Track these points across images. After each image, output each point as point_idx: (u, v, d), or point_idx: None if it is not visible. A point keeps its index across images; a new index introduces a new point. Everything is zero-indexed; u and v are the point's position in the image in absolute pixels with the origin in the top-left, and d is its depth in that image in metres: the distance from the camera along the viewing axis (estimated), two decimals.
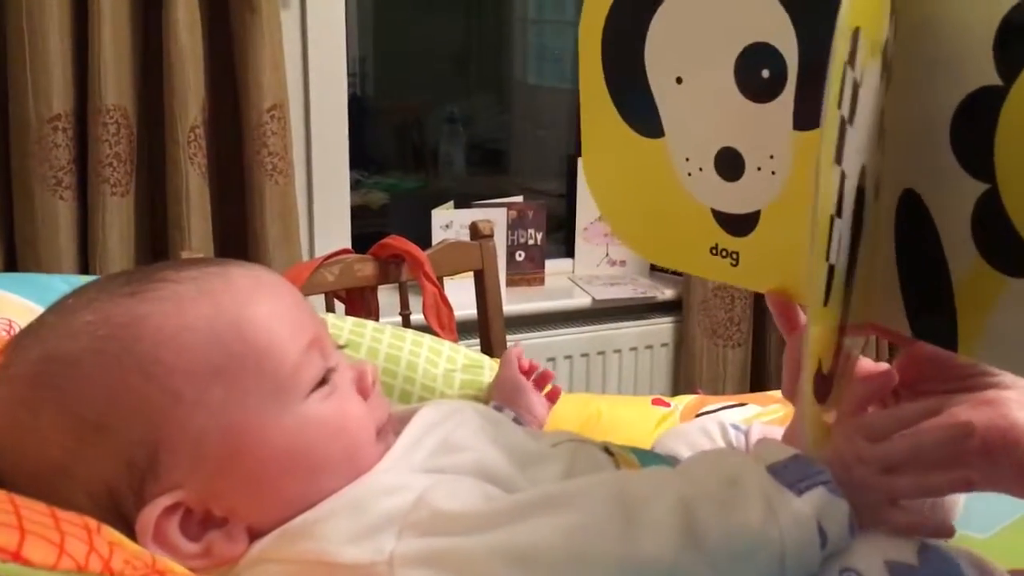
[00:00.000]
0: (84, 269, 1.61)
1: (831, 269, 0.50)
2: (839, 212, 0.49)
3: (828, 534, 0.50)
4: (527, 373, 0.88)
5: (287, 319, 0.57)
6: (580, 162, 2.22)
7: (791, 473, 0.51)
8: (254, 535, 0.54)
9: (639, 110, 0.62)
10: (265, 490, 0.54)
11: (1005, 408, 0.56)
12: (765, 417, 1.01)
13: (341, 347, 0.62)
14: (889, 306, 0.57)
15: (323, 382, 0.57)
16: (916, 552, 0.53)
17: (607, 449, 0.66)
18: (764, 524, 0.49)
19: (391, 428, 0.60)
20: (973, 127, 0.49)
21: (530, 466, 0.60)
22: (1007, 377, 0.57)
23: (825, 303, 0.51)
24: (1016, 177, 0.48)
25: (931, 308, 0.54)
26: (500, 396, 0.87)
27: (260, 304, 0.56)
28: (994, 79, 0.48)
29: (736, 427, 0.79)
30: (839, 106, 0.46)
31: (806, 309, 0.61)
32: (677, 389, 2.22)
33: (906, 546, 0.53)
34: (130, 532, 0.52)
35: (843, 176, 0.49)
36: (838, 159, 0.48)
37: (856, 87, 0.48)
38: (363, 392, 0.59)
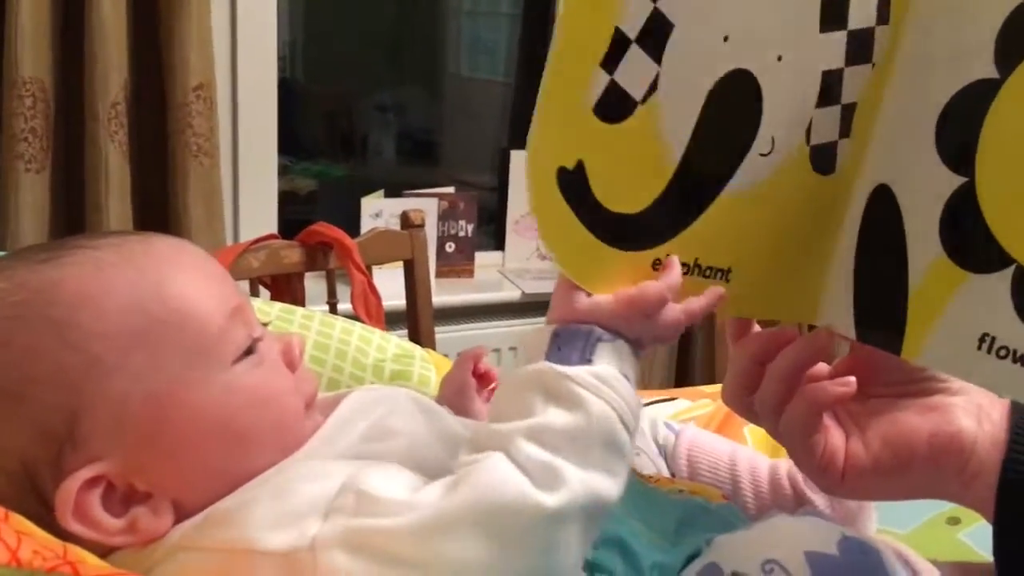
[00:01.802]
0: None
1: (617, 88, 0.52)
2: (642, 44, 0.52)
3: (629, 376, 0.53)
4: (480, 377, 0.85)
5: (211, 286, 0.55)
6: (512, 156, 2.23)
7: (570, 351, 0.53)
8: (179, 511, 0.52)
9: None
10: (189, 462, 0.52)
11: (951, 414, 0.55)
12: (696, 411, 1.01)
13: (264, 324, 0.60)
14: (837, 305, 0.56)
15: (249, 352, 0.55)
16: (836, 543, 0.54)
17: None
18: (595, 405, 0.50)
19: (320, 410, 0.59)
20: (961, 120, 0.49)
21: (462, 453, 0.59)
22: (954, 383, 0.57)
23: (605, 118, 0.53)
24: (995, 169, 0.48)
25: (881, 312, 0.54)
26: (444, 394, 0.84)
27: (183, 270, 0.55)
28: (992, 72, 0.48)
29: (668, 425, 0.79)
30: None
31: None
32: None
33: (827, 537, 0.54)
34: (47, 512, 0.50)
35: (658, 16, 0.51)
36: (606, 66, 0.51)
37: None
38: (290, 364, 0.58)
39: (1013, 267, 0.47)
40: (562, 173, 0.54)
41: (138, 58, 1.61)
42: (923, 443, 0.55)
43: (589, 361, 0.52)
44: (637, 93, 0.53)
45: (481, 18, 3.37)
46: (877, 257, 0.54)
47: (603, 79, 0.53)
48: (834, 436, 0.57)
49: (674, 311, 0.56)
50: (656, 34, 0.52)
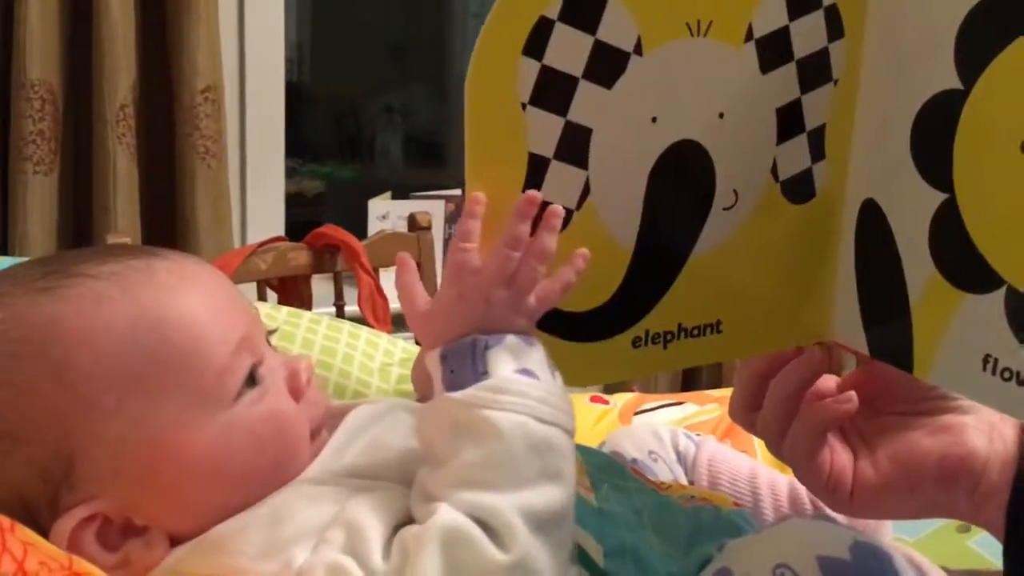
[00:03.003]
0: (3, 250, 1.55)
1: (544, 205, 0.50)
2: (563, 158, 0.50)
3: (531, 369, 0.50)
4: None
5: (214, 317, 0.53)
6: None
7: (463, 371, 0.50)
8: (175, 541, 0.52)
9: None
10: (187, 501, 0.51)
11: (963, 435, 0.54)
12: (703, 416, 1.01)
13: (272, 331, 0.59)
14: (848, 323, 0.55)
15: (252, 381, 0.54)
16: (848, 547, 0.53)
17: None
18: (503, 421, 0.48)
19: (326, 424, 0.58)
20: (932, 133, 0.48)
21: None
22: (965, 401, 0.55)
23: None
24: (974, 184, 0.47)
25: (888, 327, 0.53)
26: (420, 388, 0.84)
27: (185, 303, 0.53)
28: (955, 82, 0.47)
29: (688, 436, 0.78)
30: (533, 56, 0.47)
31: None
32: (609, 386, 2.23)
33: (838, 541, 0.53)
34: (46, 537, 0.49)
35: (572, 127, 0.50)
36: (539, 103, 0.49)
37: (614, 51, 0.49)
38: (296, 392, 0.56)
39: (1004, 288, 0.46)
40: None
41: (146, 61, 1.61)
42: (934, 464, 0.54)
43: (484, 374, 0.49)
44: (570, 203, 0.52)
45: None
46: (876, 273, 0.53)
47: None
48: (841, 455, 0.56)
49: (507, 261, 0.50)
50: (575, 143, 0.50)
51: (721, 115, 0.53)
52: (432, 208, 1.95)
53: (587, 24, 0.48)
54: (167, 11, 1.59)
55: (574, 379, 0.55)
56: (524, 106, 0.49)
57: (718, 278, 0.56)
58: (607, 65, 0.49)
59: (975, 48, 0.46)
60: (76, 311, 0.51)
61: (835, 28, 0.53)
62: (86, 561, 0.49)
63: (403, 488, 0.53)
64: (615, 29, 0.49)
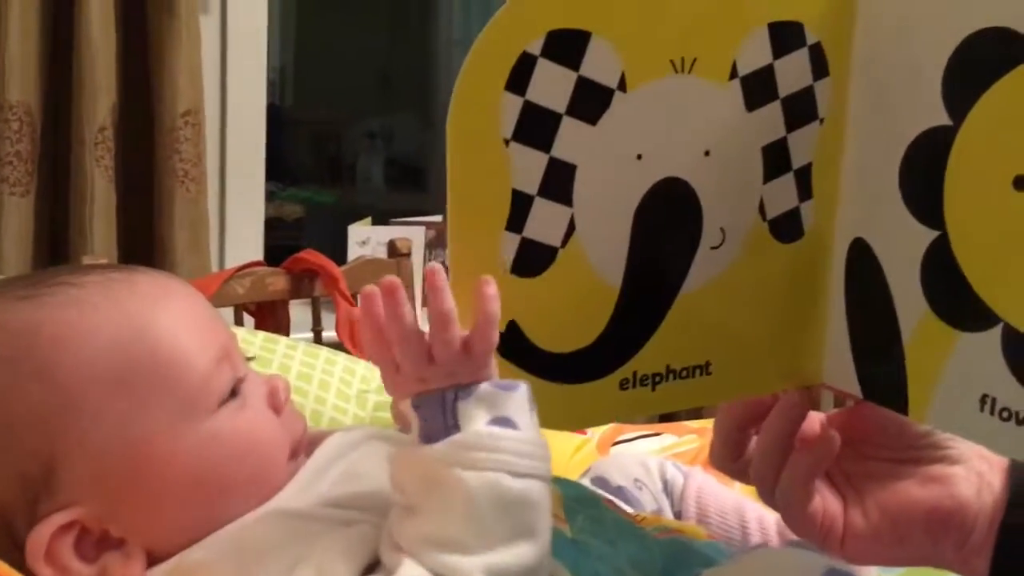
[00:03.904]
0: None
1: (531, 243, 0.49)
2: (547, 194, 0.49)
3: (508, 417, 0.48)
4: None
5: (195, 328, 0.54)
6: None
7: (434, 422, 0.48)
8: (151, 556, 0.51)
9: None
10: (166, 510, 0.51)
11: (952, 487, 0.54)
12: (682, 447, 1.01)
13: (250, 359, 0.59)
14: (839, 364, 0.55)
15: (233, 394, 0.54)
16: (822, 574, 0.53)
17: None
18: (472, 480, 0.47)
19: (303, 448, 0.58)
20: (922, 170, 0.48)
21: None
22: (954, 450, 0.55)
23: (525, 274, 0.50)
24: (966, 222, 0.46)
25: (881, 368, 0.52)
26: (399, 419, 0.84)
27: (167, 312, 0.53)
28: (944, 119, 0.47)
29: (677, 467, 0.78)
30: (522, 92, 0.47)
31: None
32: None
33: (812, 568, 0.54)
34: (19, 554, 0.49)
35: (556, 164, 0.49)
36: (521, 139, 0.48)
37: (597, 87, 0.48)
38: (276, 408, 0.57)
39: (1001, 325, 0.46)
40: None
41: (126, 83, 1.60)
42: (923, 516, 0.54)
43: (455, 427, 0.48)
44: (555, 240, 0.50)
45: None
46: (866, 313, 0.53)
47: (513, 240, 0.50)
48: (831, 503, 0.55)
49: (413, 349, 0.48)
50: (559, 180, 0.49)
51: (707, 153, 0.52)
52: (412, 234, 1.94)
53: (570, 60, 0.48)
54: (148, 33, 1.59)
55: (559, 422, 0.54)
56: (507, 142, 0.48)
57: (707, 318, 0.55)
58: (591, 101, 0.49)
59: (963, 84, 0.46)
60: (59, 316, 0.51)
61: (820, 66, 0.53)
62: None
63: (379, 522, 0.52)
64: (599, 66, 0.48)
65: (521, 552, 0.47)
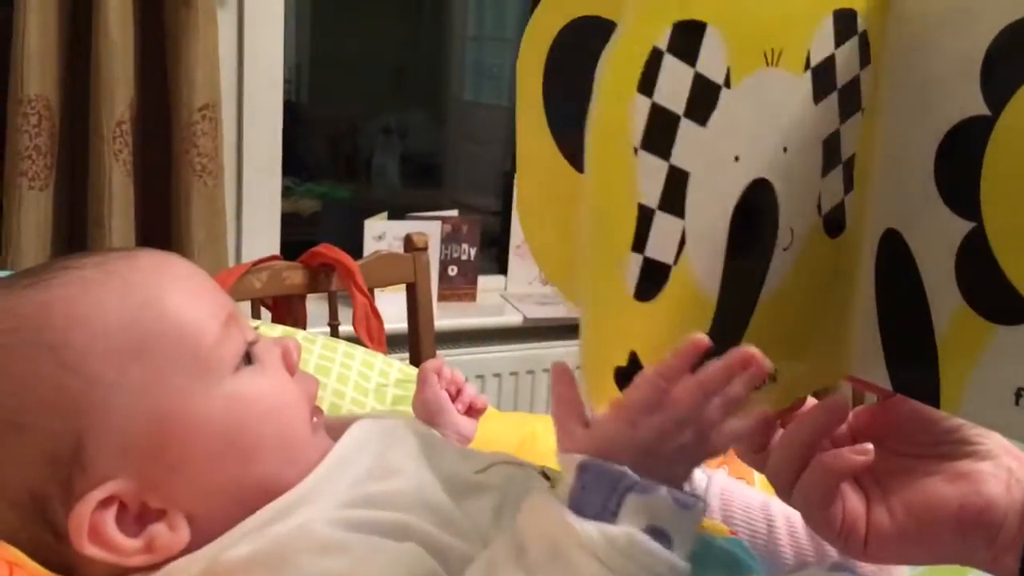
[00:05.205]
0: None
1: (651, 262, 0.46)
2: (665, 207, 0.46)
3: (666, 530, 0.45)
4: (449, 389, 0.83)
5: (201, 295, 0.55)
6: (516, 181, 2.22)
7: (594, 496, 0.46)
8: (193, 523, 0.51)
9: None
10: (198, 474, 0.51)
11: (981, 484, 0.53)
12: None
13: (255, 328, 0.59)
14: (868, 357, 0.54)
15: (248, 359, 0.55)
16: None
17: (544, 474, 0.63)
18: (601, 573, 0.44)
19: (324, 426, 0.58)
20: (958, 160, 0.47)
21: (466, 496, 0.57)
22: (983, 446, 0.54)
23: (645, 298, 0.47)
24: (1003, 214, 0.46)
25: (912, 360, 0.51)
26: (422, 417, 0.83)
27: (172, 282, 0.54)
28: (981, 108, 0.46)
29: (701, 468, 0.78)
30: (650, 94, 0.43)
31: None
32: None
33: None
34: (58, 540, 0.49)
35: (674, 172, 0.46)
36: (648, 146, 0.44)
37: (709, 85, 0.45)
38: (290, 368, 0.57)
39: None
40: (618, 372, 0.48)
41: (144, 77, 1.60)
42: (951, 515, 0.53)
43: (613, 514, 0.45)
44: (669, 257, 0.47)
45: (486, 43, 3.38)
46: (899, 305, 0.52)
47: (637, 261, 0.46)
48: (853, 502, 0.54)
49: (699, 401, 0.47)
50: (675, 190, 0.46)
51: (785, 149, 0.50)
52: (428, 229, 1.94)
53: (690, 55, 0.45)
54: (166, 28, 1.59)
55: None
56: (636, 150, 0.45)
57: (775, 324, 0.53)
58: (704, 100, 0.46)
59: (1003, 74, 0.45)
60: (65, 296, 0.51)
61: (865, 55, 0.52)
62: (108, 556, 0.48)
63: (421, 526, 0.51)
64: (711, 60, 0.45)
65: None
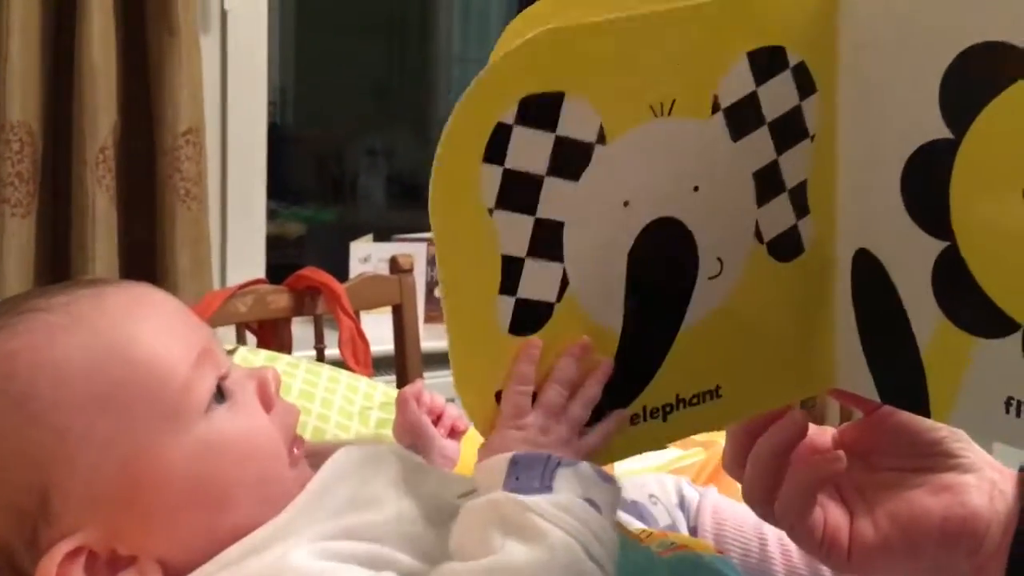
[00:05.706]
0: None
1: (527, 302, 0.50)
2: (537, 254, 0.49)
3: (596, 501, 0.49)
4: (430, 414, 0.83)
5: (169, 334, 0.53)
6: None
7: (529, 478, 0.49)
8: (166, 568, 0.50)
9: None
10: (170, 524, 0.50)
11: (965, 495, 0.53)
12: (687, 460, 1.00)
13: (231, 351, 0.58)
14: (854, 371, 0.55)
15: (220, 395, 0.53)
16: None
17: None
18: (556, 537, 0.47)
19: (303, 454, 0.57)
20: (925, 183, 0.48)
21: (447, 522, 0.57)
22: (965, 459, 0.54)
23: (523, 332, 0.51)
24: (976, 232, 0.46)
25: (898, 373, 0.52)
26: (405, 443, 0.83)
27: (139, 322, 0.52)
28: (943, 132, 0.47)
29: (692, 486, 0.78)
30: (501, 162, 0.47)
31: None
32: None
33: None
34: None
35: (543, 224, 0.49)
36: (506, 206, 0.48)
37: (576, 144, 0.48)
38: (266, 404, 0.55)
39: (1021, 331, 0.45)
40: (499, 395, 0.52)
41: (127, 102, 1.60)
42: (935, 526, 0.53)
43: (549, 488, 0.48)
44: (550, 296, 0.51)
45: (471, 64, 3.40)
46: (879, 321, 0.53)
47: (508, 303, 0.50)
48: (835, 514, 0.55)
49: (559, 398, 0.52)
50: (548, 239, 0.49)
51: (696, 188, 0.52)
52: (414, 250, 1.94)
53: (546, 123, 0.47)
54: (149, 52, 1.59)
55: None
56: (491, 211, 0.48)
57: (712, 346, 0.55)
58: (571, 159, 0.48)
59: (961, 98, 0.46)
60: (29, 344, 0.50)
61: (806, 85, 0.53)
62: None
63: (402, 558, 0.51)
64: (576, 123, 0.48)
65: None
